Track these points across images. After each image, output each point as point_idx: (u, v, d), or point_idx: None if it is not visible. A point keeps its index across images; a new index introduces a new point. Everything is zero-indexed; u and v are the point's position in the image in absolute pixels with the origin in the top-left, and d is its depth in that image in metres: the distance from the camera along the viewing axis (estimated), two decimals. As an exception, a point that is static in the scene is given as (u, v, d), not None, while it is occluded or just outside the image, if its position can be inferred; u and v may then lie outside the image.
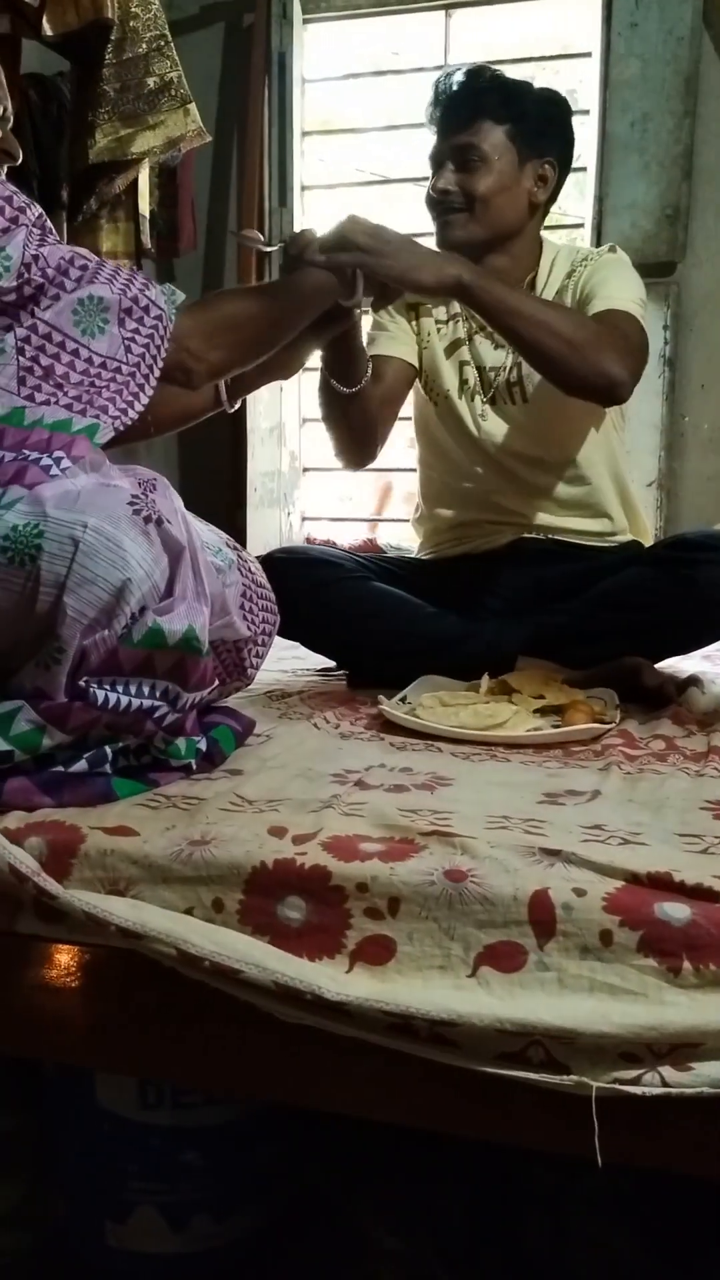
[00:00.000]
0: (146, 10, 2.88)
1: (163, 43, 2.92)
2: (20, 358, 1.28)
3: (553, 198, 2.09)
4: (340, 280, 1.66)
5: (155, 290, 1.38)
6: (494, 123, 1.97)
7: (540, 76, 3.59)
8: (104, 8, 2.63)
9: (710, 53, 3.21)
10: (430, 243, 1.93)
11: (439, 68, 3.49)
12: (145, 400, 1.33)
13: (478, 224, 2.00)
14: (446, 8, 3.50)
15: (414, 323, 2.20)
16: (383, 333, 2.20)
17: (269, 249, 1.85)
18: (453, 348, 2.17)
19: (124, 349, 1.32)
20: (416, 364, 2.20)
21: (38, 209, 1.37)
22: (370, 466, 2.22)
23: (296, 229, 3.60)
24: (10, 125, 1.56)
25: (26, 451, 1.16)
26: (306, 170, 3.70)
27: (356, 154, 3.72)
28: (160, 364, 1.35)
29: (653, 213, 3.24)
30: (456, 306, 2.15)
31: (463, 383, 2.15)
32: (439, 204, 2.01)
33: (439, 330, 2.18)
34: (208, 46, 3.61)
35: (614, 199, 3.23)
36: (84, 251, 1.36)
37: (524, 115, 1.98)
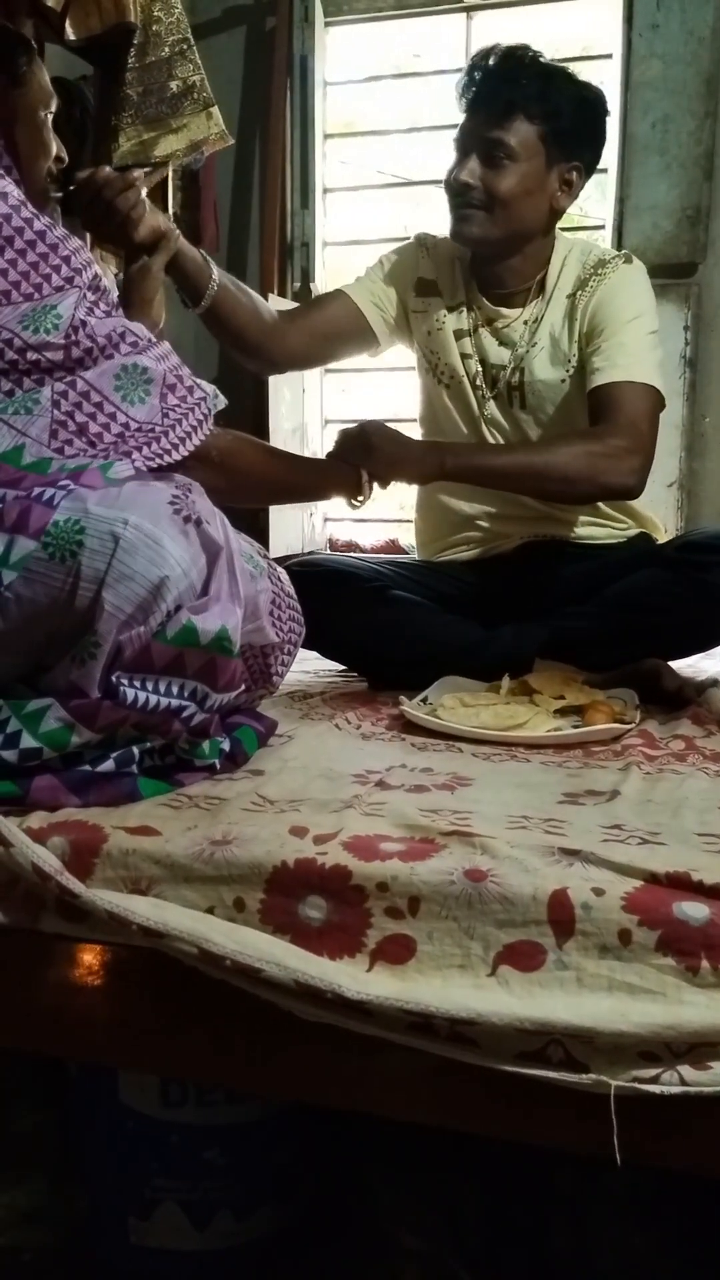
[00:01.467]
0: (169, 14, 2.89)
1: (185, 46, 2.93)
2: (55, 410, 1.27)
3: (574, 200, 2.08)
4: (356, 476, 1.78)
5: (203, 382, 1.38)
6: (528, 120, 1.91)
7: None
8: (127, 11, 2.64)
9: (732, 53, 3.21)
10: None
11: (460, 70, 3.51)
12: (174, 459, 1.31)
13: (495, 224, 1.98)
14: (468, 10, 3.51)
15: (420, 299, 2.16)
16: (366, 281, 2.19)
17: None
18: (459, 335, 2.14)
19: (162, 416, 1.31)
20: (369, 324, 2.16)
21: (94, 270, 1.36)
22: None
23: (318, 232, 3.63)
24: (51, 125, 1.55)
25: (37, 489, 1.16)
26: (328, 172, 3.72)
27: (378, 156, 3.73)
28: (197, 439, 1.34)
29: (674, 214, 3.23)
30: (460, 296, 2.13)
31: (466, 372, 2.14)
32: (459, 195, 1.97)
33: (447, 314, 2.14)
34: (230, 50, 3.63)
35: (635, 200, 3.23)
36: (136, 327, 1.36)
37: (559, 115, 1.92)
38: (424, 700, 1.71)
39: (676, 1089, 0.88)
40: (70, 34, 2.57)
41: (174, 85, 2.91)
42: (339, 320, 2.16)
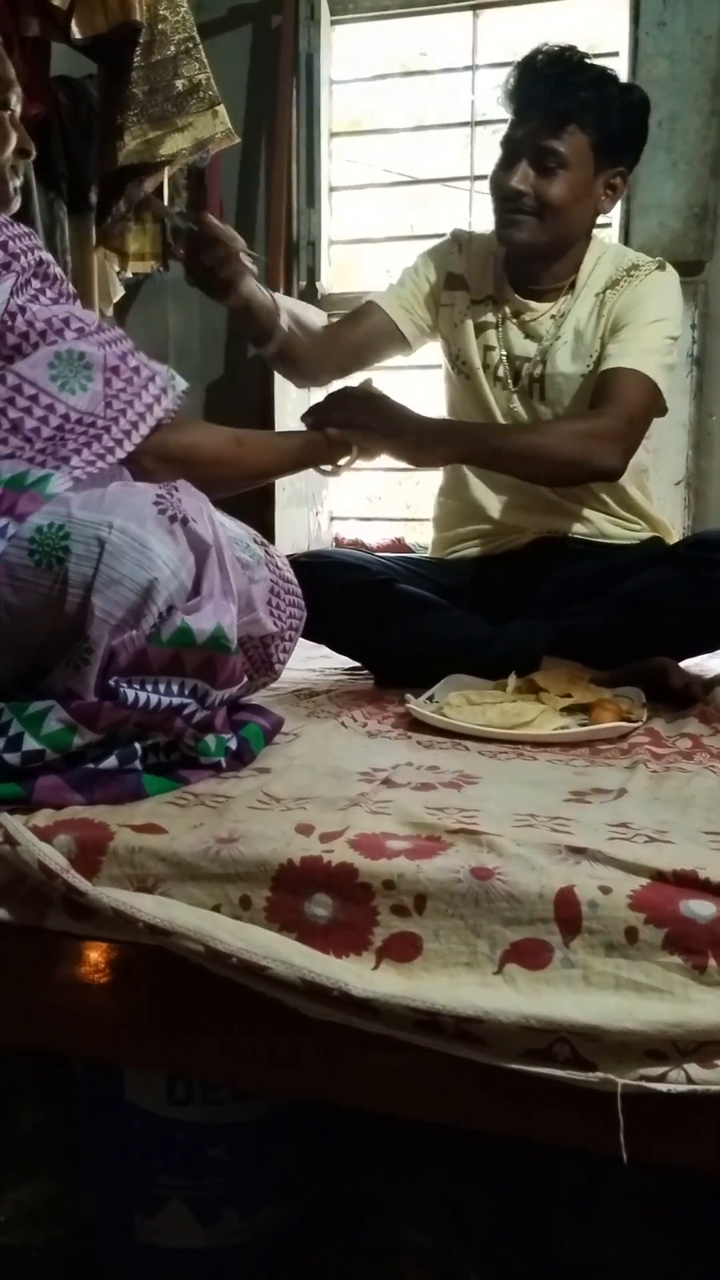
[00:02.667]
0: (175, 13, 2.89)
1: (191, 45, 2.93)
2: None
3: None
4: (329, 442, 1.72)
5: (156, 364, 1.36)
6: (581, 130, 1.91)
7: (568, 75, 3.58)
8: (132, 10, 2.64)
9: (739, 51, 3.20)
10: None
11: (467, 68, 3.52)
12: (121, 455, 1.30)
13: (544, 230, 1.99)
14: (474, 8, 3.50)
15: (448, 292, 2.18)
16: (396, 287, 2.21)
17: (254, 257, 1.87)
18: (481, 328, 2.16)
19: (105, 405, 1.29)
20: (407, 333, 2.19)
21: (37, 255, 1.34)
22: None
23: (324, 231, 3.63)
24: (18, 116, 1.53)
25: None
26: (335, 171, 3.71)
27: (385, 154, 3.72)
28: (146, 426, 1.32)
29: (680, 212, 3.23)
30: (488, 289, 2.15)
31: (485, 364, 2.15)
32: (508, 200, 1.97)
33: (469, 308, 2.16)
34: (236, 48, 3.63)
35: (642, 198, 3.22)
36: (84, 314, 1.34)
37: (610, 123, 1.93)
38: (430, 698, 1.71)
39: (683, 1087, 0.88)
40: (76, 33, 2.57)
41: (179, 84, 2.91)
42: (374, 332, 2.19)
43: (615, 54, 3.35)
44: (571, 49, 1.95)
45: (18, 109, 1.53)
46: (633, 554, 2.10)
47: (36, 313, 1.29)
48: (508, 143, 1.98)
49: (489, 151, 3.47)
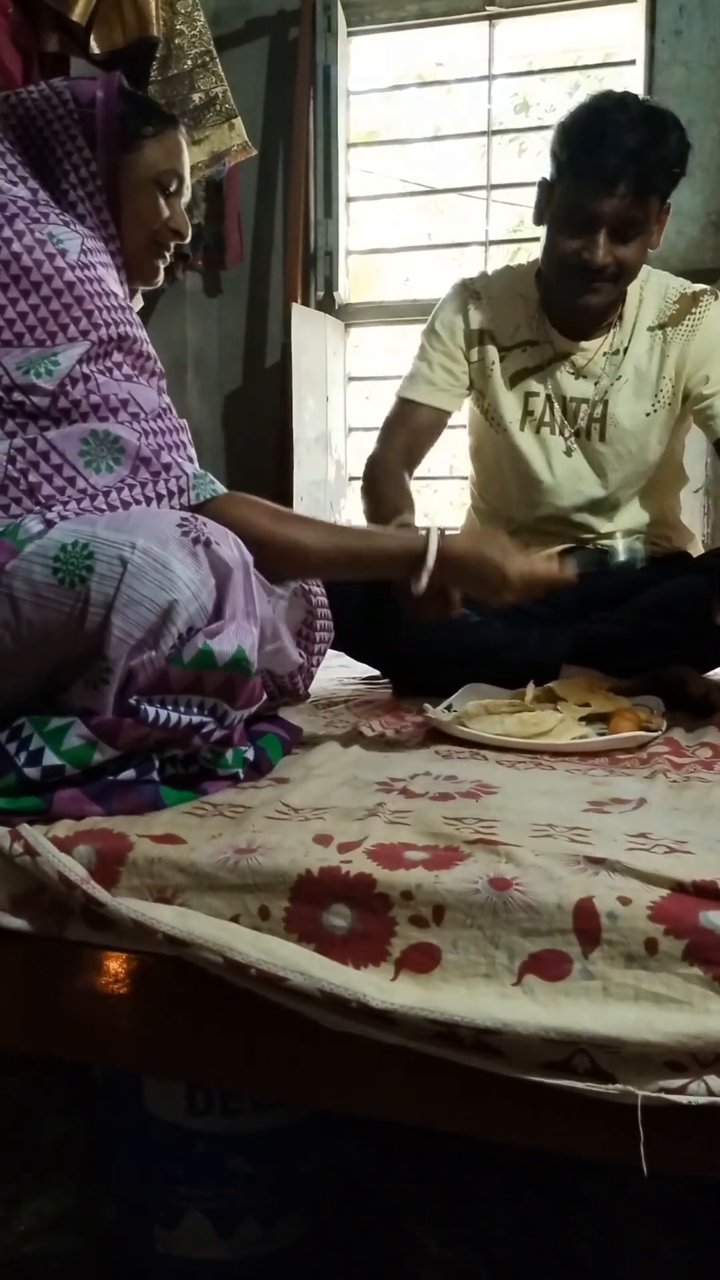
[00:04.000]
0: (192, 27, 2.91)
1: (208, 59, 2.95)
2: (10, 466, 1.24)
3: None
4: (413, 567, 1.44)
5: (191, 464, 1.34)
6: (655, 192, 1.88)
7: (584, 84, 3.60)
8: (150, 25, 2.66)
9: (755, 59, 3.21)
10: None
11: (483, 78, 3.52)
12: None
13: (619, 289, 1.98)
14: (490, 18, 3.50)
15: (475, 349, 2.15)
16: (424, 369, 2.16)
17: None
18: (519, 377, 2.12)
19: (126, 490, 1.27)
20: (455, 404, 2.18)
21: (122, 330, 1.34)
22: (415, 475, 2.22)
23: (342, 241, 3.64)
24: (186, 199, 1.55)
25: None
26: (352, 181, 3.72)
27: (402, 164, 3.73)
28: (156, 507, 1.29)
29: (698, 219, 3.23)
30: (524, 334, 2.11)
31: (527, 414, 2.12)
32: (589, 272, 1.92)
33: (503, 358, 2.13)
34: (253, 61, 3.64)
35: (659, 206, 3.21)
36: (146, 399, 1.33)
37: (676, 175, 1.90)
38: (448, 707, 1.71)
39: (704, 1099, 0.87)
40: (95, 48, 2.59)
41: (196, 97, 2.93)
42: (430, 429, 2.18)
43: (632, 62, 3.36)
44: (635, 101, 1.89)
45: (186, 196, 1.55)
46: (661, 564, 2.11)
47: (100, 385, 1.29)
48: (580, 212, 1.89)
49: (505, 160, 3.50)
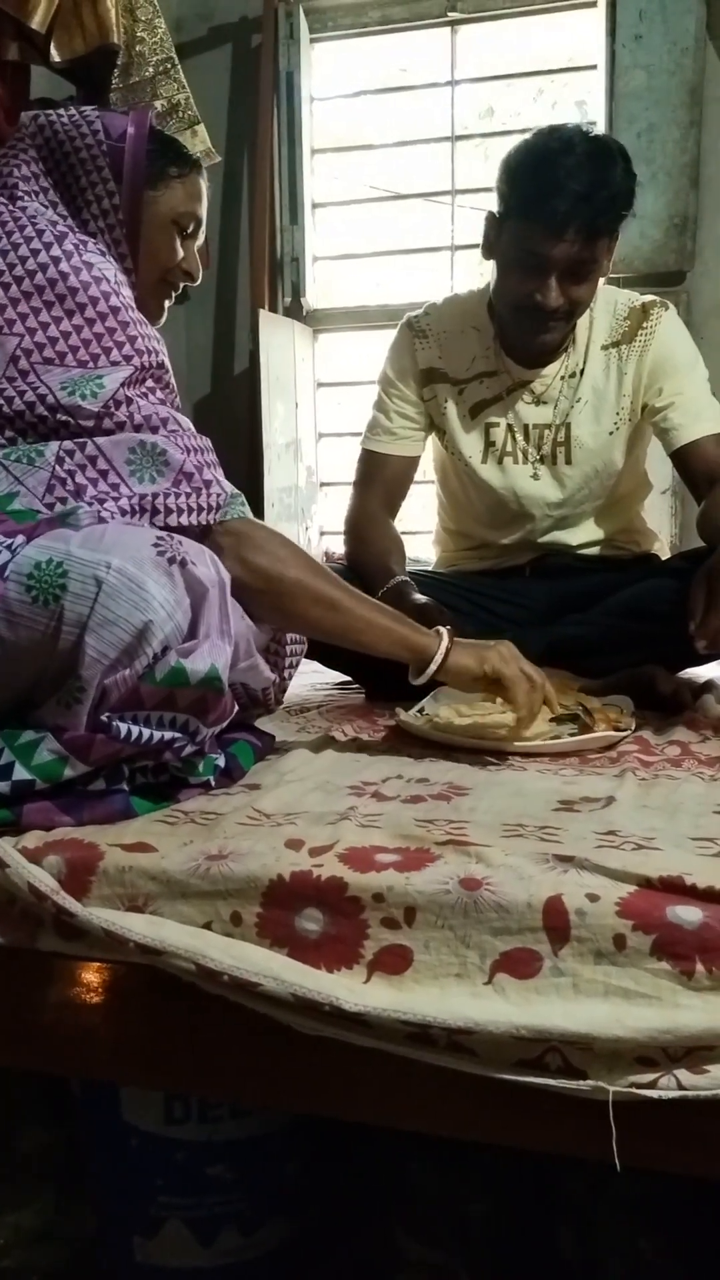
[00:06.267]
0: (152, 34, 2.91)
1: (169, 65, 2.95)
2: (58, 466, 1.27)
3: None
4: (418, 664, 1.49)
5: (225, 483, 1.38)
6: (606, 233, 1.86)
7: (548, 89, 3.62)
8: (109, 33, 2.65)
9: (715, 63, 3.23)
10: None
11: (447, 83, 3.53)
12: (168, 522, 1.30)
13: (571, 323, 1.98)
14: (452, 24, 3.52)
15: (427, 387, 2.15)
16: (383, 420, 2.17)
17: None
18: (478, 409, 2.13)
19: (165, 498, 1.30)
20: (420, 448, 2.19)
21: (159, 359, 1.38)
22: None
23: (308, 247, 3.64)
24: (200, 243, 1.58)
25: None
26: (318, 187, 3.73)
27: (368, 170, 3.74)
28: (183, 520, 1.32)
29: (661, 222, 3.24)
30: (480, 366, 2.11)
31: (489, 445, 2.13)
32: (542, 313, 1.90)
33: (460, 392, 2.13)
34: (216, 68, 3.65)
35: (622, 209, 3.23)
36: (184, 420, 1.36)
37: (627, 209, 1.88)
38: (420, 710, 1.71)
39: (674, 1093, 0.88)
40: (55, 56, 2.58)
41: (159, 104, 2.93)
42: (395, 477, 2.19)
43: (593, 67, 3.38)
44: (580, 139, 1.83)
45: (200, 240, 1.58)
46: (628, 567, 2.12)
47: (141, 407, 1.32)
48: (531, 256, 1.87)
49: (470, 165, 3.51)
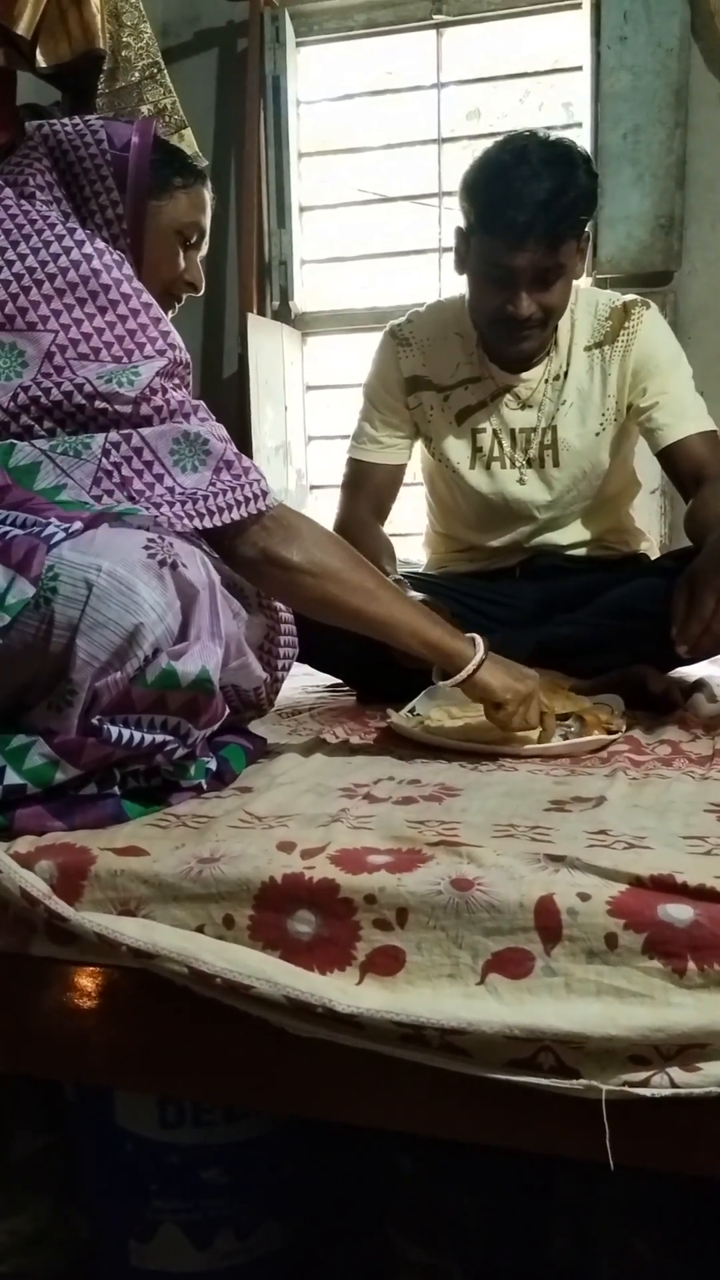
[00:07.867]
0: (138, 39, 2.91)
1: (155, 70, 2.95)
2: (104, 459, 1.28)
3: None
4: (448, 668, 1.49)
5: (259, 470, 1.38)
6: (572, 235, 1.87)
7: (534, 91, 3.62)
8: (95, 38, 2.66)
9: (699, 63, 3.23)
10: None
11: (433, 85, 3.54)
12: (197, 526, 1.30)
13: (548, 329, 1.99)
14: (437, 27, 3.52)
15: (412, 395, 2.16)
16: (368, 429, 2.19)
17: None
18: (464, 415, 2.13)
19: (208, 485, 1.31)
20: (406, 456, 2.21)
21: (185, 357, 1.40)
22: None
23: (296, 250, 3.64)
24: (203, 254, 1.59)
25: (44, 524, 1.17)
26: (305, 191, 3.73)
27: (355, 173, 3.74)
28: (234, 516, 1.32)
29: (647, 223, 3.25)
30: (464, 372, 2.12)
31: (476, 451, 2.13)
32: (515, 323, 1.92)
33: (445, 399, 2.14)
34: (203, 72, 3.65)
35: (609, 210, 3.24)
36: (205, 408, 1.38)
37: (590, 210, 1.89)
38: (411, 711, 1.71)
39: (667, 1091, 0.88)
40: (40, 61, 2.59)
41: (145, 109, 2.93)
42: (382, 484, 2.21)
43: (578, 69, 3.38)
44: (536, 147, 1.84)
45: (203, 251, 1.60)
46: (619, 568, 2.13)
47: (172, 396, 1.33)
48: (497, 269, 1.88)
49: (457, 167, 3.51)
